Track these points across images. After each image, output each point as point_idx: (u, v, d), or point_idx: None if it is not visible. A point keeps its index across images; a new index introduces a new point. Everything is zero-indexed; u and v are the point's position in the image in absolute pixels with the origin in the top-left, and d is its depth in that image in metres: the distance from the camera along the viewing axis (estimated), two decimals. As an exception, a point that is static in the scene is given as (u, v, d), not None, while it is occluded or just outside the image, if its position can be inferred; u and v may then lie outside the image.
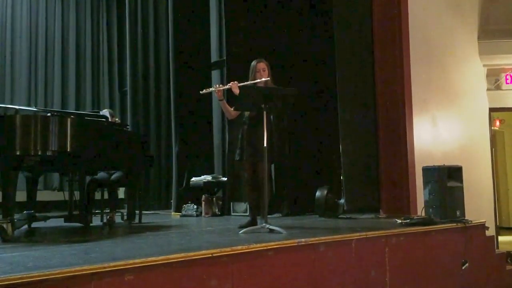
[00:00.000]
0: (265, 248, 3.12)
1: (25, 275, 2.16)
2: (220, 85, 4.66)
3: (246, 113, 4.63)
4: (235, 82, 4.48)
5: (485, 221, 5.08)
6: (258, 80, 4.49)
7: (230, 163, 6.74)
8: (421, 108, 5.91)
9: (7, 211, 3.82)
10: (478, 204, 6.35)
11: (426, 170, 5.02)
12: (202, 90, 4.60)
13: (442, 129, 6.35)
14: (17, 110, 4.13)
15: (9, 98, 9.34)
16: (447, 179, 4.85)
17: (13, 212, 3.87)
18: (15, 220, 3.94)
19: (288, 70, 6.53)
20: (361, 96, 5.87)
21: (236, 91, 4.41)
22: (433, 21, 6.50)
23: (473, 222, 4.80)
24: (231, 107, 4.63)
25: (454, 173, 4.97)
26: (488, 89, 7.63)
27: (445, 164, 5.01)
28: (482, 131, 7.39)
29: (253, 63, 4.64)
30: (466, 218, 4.82)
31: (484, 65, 7.50)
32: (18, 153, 3.76)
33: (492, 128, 8.24)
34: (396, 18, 5.75)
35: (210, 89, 4.61)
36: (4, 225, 3.75)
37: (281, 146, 5.60)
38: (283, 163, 6.36)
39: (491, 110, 7.66)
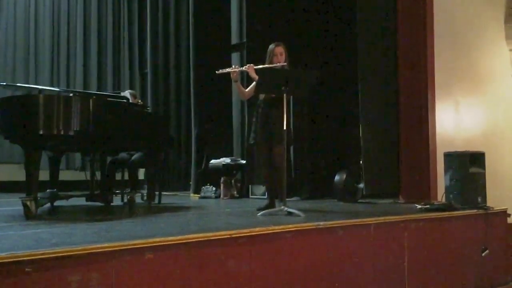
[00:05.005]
0: (284, 230, 3.12)
1: (48, 251, 2.20)
2: (237, 66, 4.69)
3: (261, 96, 4.64)
4: (251, 65, 4.52)
5: (507, 208, 5.01)
6: (275, 65, 4.49)
7: (249, 146, 6.75)
8: (444, 93, 5.79)
9: (30, 189, 3.90)
10: (501, 191, 6.23)
11: (448, 156, 4.95)
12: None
13: (466, 115, 6.22)
14: (40, 90, 4.18)
15: (33, 79, 9.52)
16: (469, 165, 4.78)
17: (36, 190, 3.94)
18: (38, 198, 4.02)
19: (308, 53, 6.47)
20: (383, 81, 5.78)
21: (253, 74, 4.46)
22: (458, 5, 6.34)
23: (495, 209, 4.74)
24: (246, 89, 4.65)
25: (477, 159, 4.89)
26: (514, 74, 7.44)
27: (468, 150, 4.93)
28: (507, 117, 7.23)
29: (271, 46, 4.63)
30: (487, 205, 4.76)
31: (510, 50, 7.30)
32: (41, 132, 3.81)
33: (517, 114, 8.05)
34: (421, 2, 5.62)
35: (226, 69, 4.62)
36: (28, 203, 3.84)
37: (296, 130, 5.60)
38: (299, 146, 6.34)
39: (517, 96, 7.48)
